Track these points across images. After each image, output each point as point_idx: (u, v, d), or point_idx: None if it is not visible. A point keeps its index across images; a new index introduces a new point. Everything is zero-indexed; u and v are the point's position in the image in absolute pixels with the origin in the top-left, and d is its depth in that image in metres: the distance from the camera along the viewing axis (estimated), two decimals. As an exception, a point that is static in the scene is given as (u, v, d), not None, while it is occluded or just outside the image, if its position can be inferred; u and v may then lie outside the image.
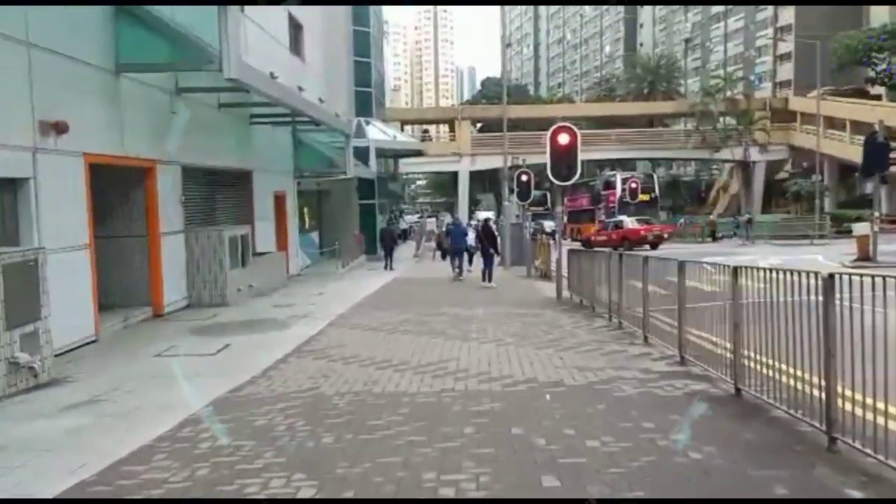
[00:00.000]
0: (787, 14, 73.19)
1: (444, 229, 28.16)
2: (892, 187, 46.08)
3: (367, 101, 33.80)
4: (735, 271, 6.16)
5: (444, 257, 21.38)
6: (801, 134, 55.53)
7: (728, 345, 6.43)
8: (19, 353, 7.58)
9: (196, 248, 14.40)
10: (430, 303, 14.57)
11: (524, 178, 25.23)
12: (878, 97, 54.34)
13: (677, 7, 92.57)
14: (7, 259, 7.49)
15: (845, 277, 4.64)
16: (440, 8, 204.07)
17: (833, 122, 49.39)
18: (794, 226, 41.46)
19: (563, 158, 14.61)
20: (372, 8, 35.72)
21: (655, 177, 51.46)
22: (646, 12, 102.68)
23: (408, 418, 5.93)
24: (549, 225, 41.96)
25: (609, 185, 46.77)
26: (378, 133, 33.23)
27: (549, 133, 14.90)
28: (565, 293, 14.87)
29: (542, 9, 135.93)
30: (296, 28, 22.56)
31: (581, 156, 14.81)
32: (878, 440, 4.33)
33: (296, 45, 22.59)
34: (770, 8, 76.11)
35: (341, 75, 30.08)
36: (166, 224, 13.41)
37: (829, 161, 49.31)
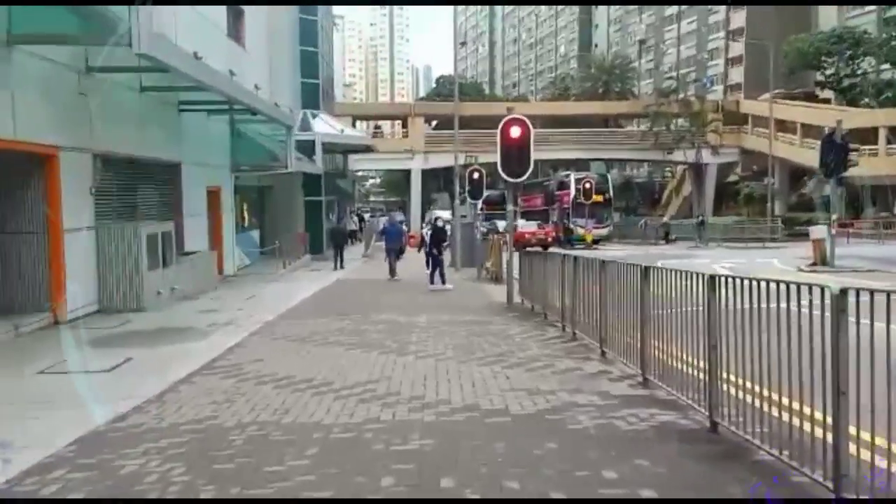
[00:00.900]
0: (739, 17, 73.86)
1: (380, 228, 27.24)
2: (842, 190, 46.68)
3: (314, 92, 32.26)
4: (713, 282, 5.16)
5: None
6: (752, 137, 55.87)
7: (701, 364, 5.45)
8: None
9: (109, 247, 12.93)
10: (371, 308, 13.39)
11: (475, 175, 24.20)
12: (827, 101, 54.98)
13: (632, 8, 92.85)
14: None
15: (852, 293, 3.67)
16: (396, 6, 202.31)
17: (784, 126, 49.65)
18: (747, 228, 41.40)
19: (515, 153, 13.57)
20: None
21: (610, 177, 51.08)
22: (601, 13, 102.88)
23: (315, 463, 4.77)
24: (502, 225, 41.11)
25: (563, 186, 46.14)
26: (325, 126, 31.77)
27: (499, 126, 13.88)
28: (516, 298, 13.87)
29: (499, 8, 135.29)
30: (236, 13, 21.14)
31: (534, 155, 13.80)
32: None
33: (235, 29, 21.16)
34: (722, 10, 76.79)
35: (286, 65, 28.60)
36: (72, 219, 11.92)
37: (779, 164, 49.59)
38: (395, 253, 20.48)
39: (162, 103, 15.90)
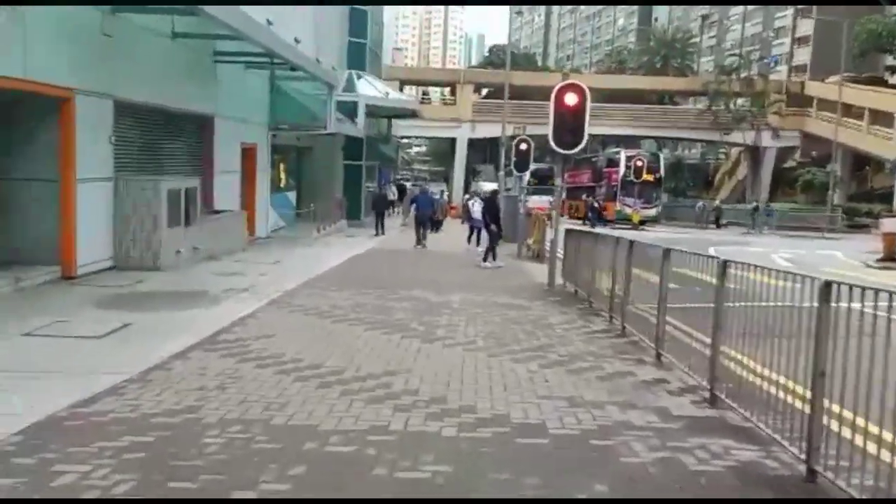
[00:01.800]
0: (810, -5, 69.92)
1: (410, 198, 27.42)
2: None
3: (360, 53, 31.04)
4: (827, 290, 3.98)
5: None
6: (815, 121, 52.83)
7: (798, 389, 4.33)
8: None
9: (126, 200, 12.13)
10: (400, 282, 12.41)
11: (523, 146, 22.82)
12: (895, 87, 51.63)
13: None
14: None
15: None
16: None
17: (850, 111, 46.76)
18: (807, 217, 39.26)
19: (569, 122, 12.30)
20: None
21: (661, 157, 48.99)
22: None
23: (297, 488, 3.80)
24: (541, 200, 39.65)
25: (613, 163, 44.37)
26: (369, 88, 30.54)
27: (553, 92, 12.63)
28: (558, 280, 12.73)
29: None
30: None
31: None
32: None
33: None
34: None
35: (333, 22, 27.42)
36: (87, 168, 11.10)
37: (842, 152, 46.92)
38: (426, 222, 20.60)
39: (195, 52, 14.97)
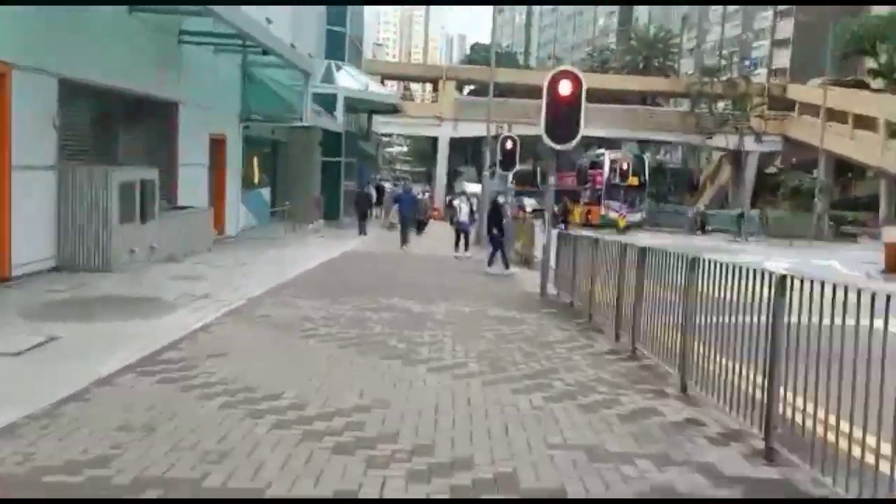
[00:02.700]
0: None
1: (392, 197, 27.14)
2: (893, 189, 43.50)
3: (339, 42, 29.68)
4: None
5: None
6: (798, 125, 52.21)
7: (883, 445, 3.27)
8: None
9: (73, 192, 10.82)
10: (382, 288, 11.24)
11: (509, 145, 21.76)
12: (878, 91, 51.09)
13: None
14: None
15: None
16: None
17: (833, 115, 46.04)
18: (795, 224, 38.49)
19: (564, 114, 11.27)
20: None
21: (646, 160, 48.11)
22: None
23: None
24: (529, 203, 38.67)
25: (596, 165, 43.50)
26: (349, 80, 29.30)
27: (546, 80, 11.56)
28: (551, 289, 11.65)
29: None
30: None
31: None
32: None
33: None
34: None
35: (311, 10, 26.11)
36: (25, 155, 9.80)
37: (825, 157, 46.37)
38: (409, 222, 20.30)
39: (158, 30, 13.70)
